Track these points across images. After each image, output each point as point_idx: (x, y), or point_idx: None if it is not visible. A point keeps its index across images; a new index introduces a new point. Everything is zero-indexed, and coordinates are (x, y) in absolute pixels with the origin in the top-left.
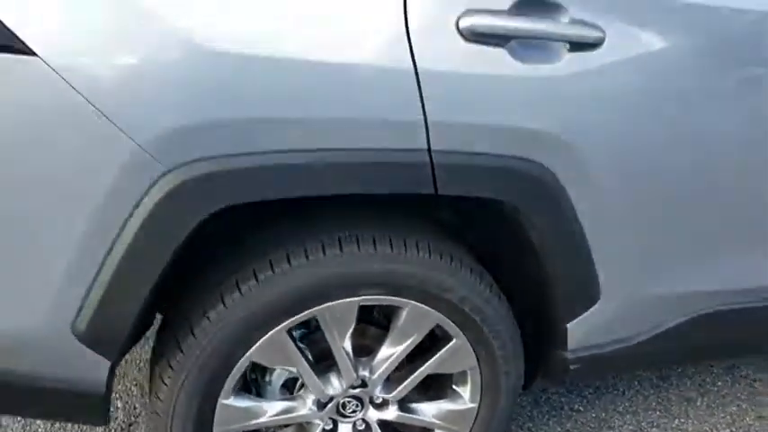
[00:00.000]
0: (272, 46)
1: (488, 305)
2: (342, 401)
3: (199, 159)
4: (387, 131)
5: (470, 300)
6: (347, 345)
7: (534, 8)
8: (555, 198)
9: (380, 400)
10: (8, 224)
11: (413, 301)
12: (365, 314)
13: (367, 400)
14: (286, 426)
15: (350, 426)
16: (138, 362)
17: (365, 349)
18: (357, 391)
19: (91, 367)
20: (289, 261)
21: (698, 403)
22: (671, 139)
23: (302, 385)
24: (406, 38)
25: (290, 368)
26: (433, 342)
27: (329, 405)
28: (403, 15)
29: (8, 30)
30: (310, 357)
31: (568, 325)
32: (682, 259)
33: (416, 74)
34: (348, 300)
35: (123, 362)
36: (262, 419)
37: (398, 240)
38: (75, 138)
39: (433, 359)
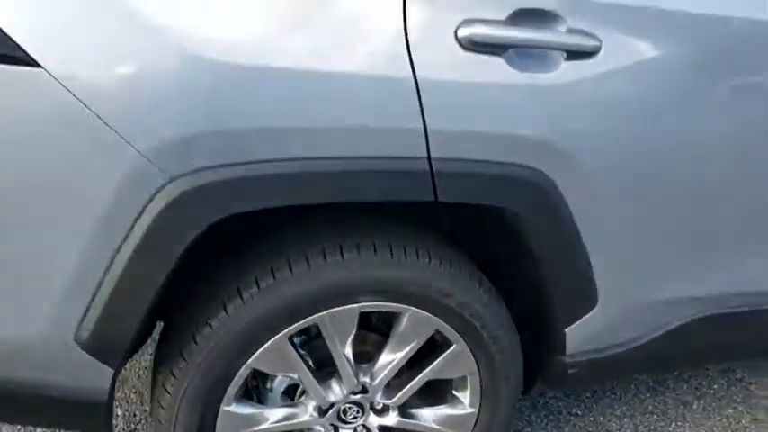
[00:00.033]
0: (273, 56)
1: (488, 310)
2: (343, 407)
3: (202, 169)
4: (387, 140)
5: (470, 305)
6: (348, 351)
7: (531, 18)
8: (554, 205)
9: (381, 405)
10: (12, 232)
11: (413, 308)
12: (364, 321)
13: (368, 405)
14: None
15: (351, 431)
16: (137, 369)
17: (365, 355)
18: (358, 396)
19: (93, 375)
20: (290, 268)
21: (694, 406)
22: (667, 146)
23: (303, 392)
24: (405, 47)
25: (292, 375)
26: (432, 348)
27: (330, 411)
28: (402, 25)
29: (13, 42)
30: (311, 364)
31: (567, 330)
32: (678, 264)
33: (416, 83)
34: (349, 306)
35: (123, 369)
36: (263, 426)
37: (399, 247)
38: (78, 147)
39: (433, 365)
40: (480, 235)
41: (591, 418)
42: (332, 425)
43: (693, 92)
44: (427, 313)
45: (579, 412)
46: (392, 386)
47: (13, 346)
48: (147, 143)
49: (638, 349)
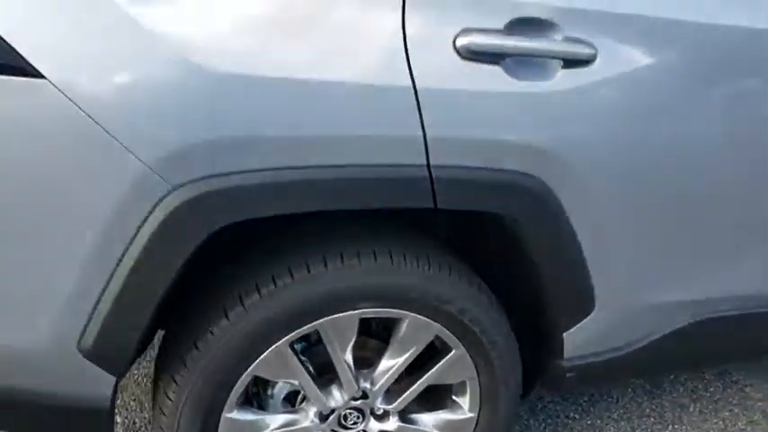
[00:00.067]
0: (274, 65)
1: (487, 316)
2: (343, 413)
3: (204, 177)
4: (386, 148)
5: (469, 311)
6: (348, 357)
7: (529, 27)
8: (552, 211)
9: (381, 411)
10: (16, 241)
11: (413, 314)
12: (364, 326)
13: (368, 411)
14: None
15: None
16: (136, 377)
17: (366, 361)
18: (358, 402)
19: (96, 383)
20: (291, 275)
21: (691, 409)
22: (664, 152)
23: (304, 398)
24: (404, 57)
25: (293, 381)
26: (432, 353)
27: (331, 417)
28: (402, 35)
29: (18, 54)
30: (312, 370)
31: (565, 334)
32: (675, 269)
33: (415, 91)
34: (349, 313)
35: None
36: None
37: (399, 254)
38: (82, 157)
39: (432, 370)
40: (479, 241)
41: (588, 422)
42: (333, 431)
43: (688, 98)
44: (427, 319)
45: (577, 416)
46: (392, 392)
47: (16, 355)
48: (149, 152)
49: (635, 353)
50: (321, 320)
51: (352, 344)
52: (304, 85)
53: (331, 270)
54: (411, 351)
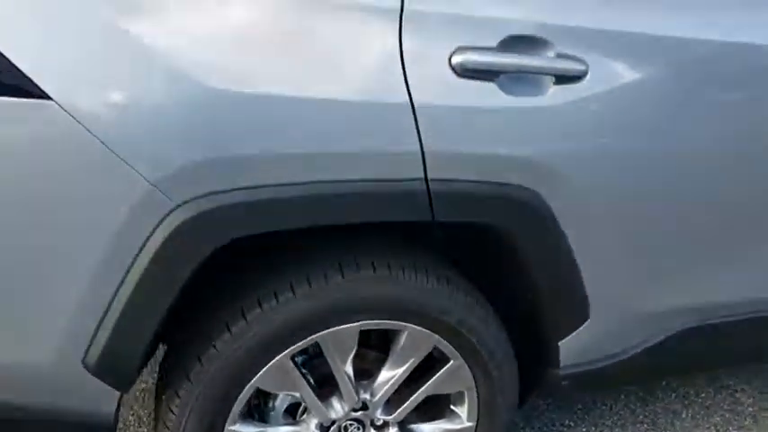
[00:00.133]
0: (275, 84)
1: (484, 326)
2: (344, 424)
3: (207, 194)
4: (385, 162)
5: (467, 322)
6: (349, 368)
7: (521, 44)
8: (547, 223)
9: (381, 421)
10: (20, 258)
11: (412, 325)
12: (363, 338)
13: (368, 422)
14: None
15: None
16: (135, 392)
17: (365, 372)
18: (358, 413)
19: (101, 399)
20: (292, 289)
21: (683, 415)
22: (655, 164)
23: (305, 410)
24: (402, 74)
25: (294, 393)
26: (431, 364)
27: (332, 429)
28: (399, 54)
29: (25, 76)
30: (313, 382)
31: (560, 343)
32: (669, 277)
33: (413, 108)
34: (350, 325)
35: None
36: None
37: (397, 266)
38: (87, 175)
39: (431, 380)
40: (476, 253)
41: (583, 429)
42: None
43: (678, 112)
44: (426, 330)
45: (572, 423)
46: (392, 402)
47: (22, 372)
48: (153, 170)
49: (629, 360)
50: (322, 333)
51: (352, 355)
52: (304, 102)
53: (331, 284)
54: (410, 362)
